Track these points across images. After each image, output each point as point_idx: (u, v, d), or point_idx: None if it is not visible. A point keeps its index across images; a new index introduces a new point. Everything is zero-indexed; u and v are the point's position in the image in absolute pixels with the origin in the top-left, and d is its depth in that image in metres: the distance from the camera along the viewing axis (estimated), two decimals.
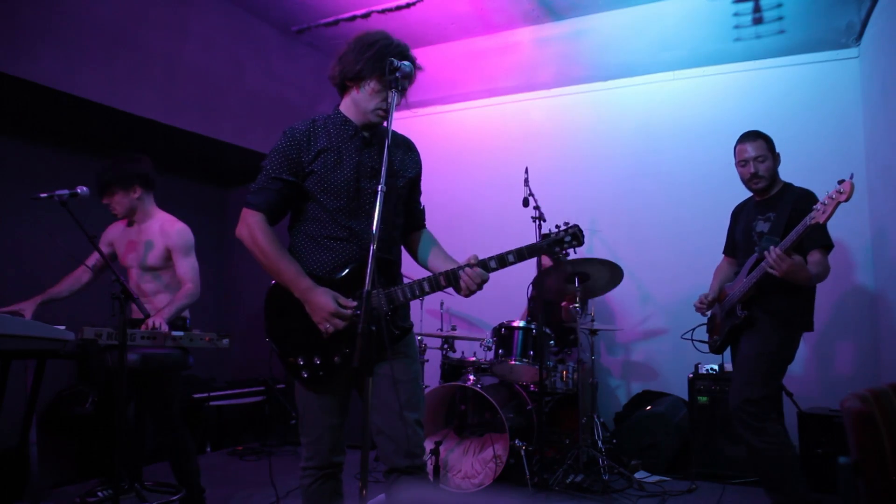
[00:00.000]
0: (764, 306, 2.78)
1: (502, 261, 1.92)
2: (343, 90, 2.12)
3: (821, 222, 2.40)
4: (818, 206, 2.42)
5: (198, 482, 3.03)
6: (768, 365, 2.74)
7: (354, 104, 2.08)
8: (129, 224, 3.13)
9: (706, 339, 3.25)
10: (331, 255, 1.96)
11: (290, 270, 1.90)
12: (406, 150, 2.19)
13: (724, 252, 3.28)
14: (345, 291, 1.89)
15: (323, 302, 1.85)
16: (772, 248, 2.56)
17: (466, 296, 1.93)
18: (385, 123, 1.99)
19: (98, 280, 3.17)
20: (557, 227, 2.00)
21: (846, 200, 2.34)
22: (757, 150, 2.87)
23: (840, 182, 2.36)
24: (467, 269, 1.89)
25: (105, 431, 3.51)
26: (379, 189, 1.77)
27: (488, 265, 1.91)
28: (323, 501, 2.04)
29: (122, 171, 3.03)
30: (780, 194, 2.90)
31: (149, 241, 3.05)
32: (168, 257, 3.05)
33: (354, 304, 1.87)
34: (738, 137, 2.98)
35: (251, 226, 1.99)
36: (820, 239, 2.70)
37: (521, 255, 1.94)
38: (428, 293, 1.95)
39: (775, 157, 2.91)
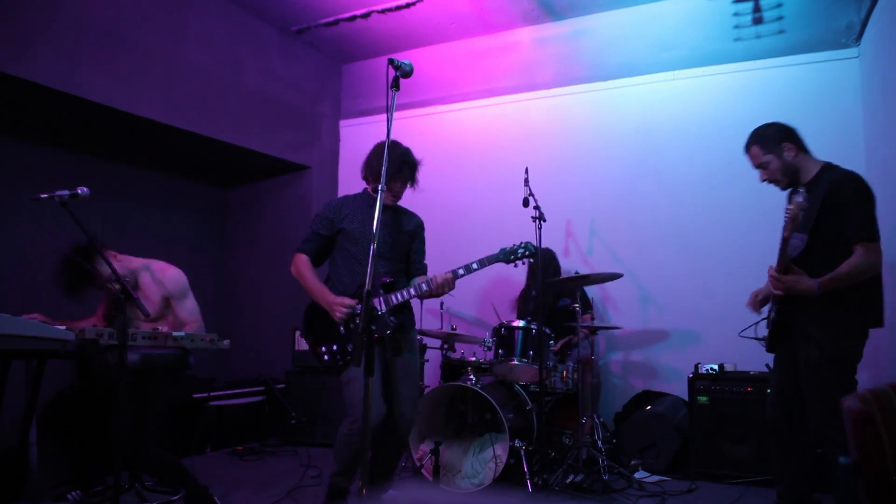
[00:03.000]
0: (798, 306, 2.57)
1: (468, 268, 2.83)
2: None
3: (785, 236, 2.34)
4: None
5: (182, 474, 2.95)
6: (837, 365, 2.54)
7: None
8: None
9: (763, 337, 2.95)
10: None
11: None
12: (410, 215, 3.11)
13: None
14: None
15: (331, 300, 2.81)
16: (769, 267, 2.46)
17: (438, 295, 2.86)
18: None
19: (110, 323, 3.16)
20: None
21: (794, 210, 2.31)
22: (754, 160, 2.76)
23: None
24: (437, 275, 2.81)
25: (104, 432, 3.50)
26: (379, 188, 2.10)
27: (457, 273, 2.80)
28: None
29: (79, 269, 2.86)
30: (816, 180, 2.63)
31: (144, 295, 2.95)
32: (166, 305, 3.02)
33: (353, 301, 2.77)
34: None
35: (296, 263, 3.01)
36: (859, 232, 2.46)
37: (482, 263, 2.85)
38: (414, 296, 2.83)
39: (779, 153, 2.69)
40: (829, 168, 2.66)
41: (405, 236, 3.02)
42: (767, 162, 2.72)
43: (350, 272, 2.90)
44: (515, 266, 2.99)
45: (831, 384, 2.47)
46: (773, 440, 2.78)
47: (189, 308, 3.04)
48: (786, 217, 2.34)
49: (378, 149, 2.93)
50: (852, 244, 2.46)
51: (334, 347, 2.83)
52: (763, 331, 2.94)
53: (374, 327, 2.03)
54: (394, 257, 2.95)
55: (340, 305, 2.75)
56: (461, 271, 2.81)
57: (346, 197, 3.06)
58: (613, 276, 3.89)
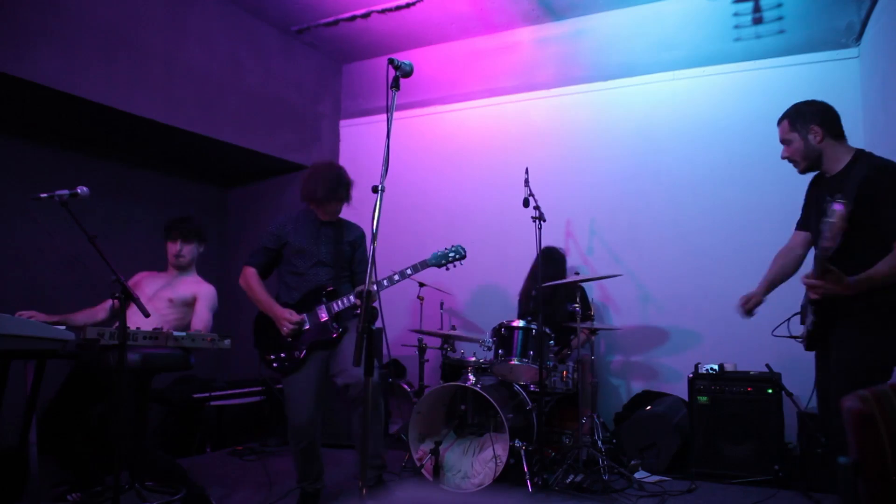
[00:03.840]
0: (837, 308, 2.40)
1: (402, 274, 3.05)
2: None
3: (826, 246, 2.08)
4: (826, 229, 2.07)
5: (182, 476, 3.00)
6: (867, 372, 2.34)
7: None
8: (164, 270, 3.40)
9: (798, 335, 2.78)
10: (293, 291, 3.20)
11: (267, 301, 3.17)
12: (351, 227, 3.32)
13: (797, 226, 2.81)
14: (299, 310, 3.11)
15: (278, 313, 3.08)
16: (802, 277, 2.28)
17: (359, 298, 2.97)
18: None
19: (110, 320, 3.33)
20: None
21: (838, 224, 2.03)
22: (780, 133, 2.63)
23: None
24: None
25: (104, 432, 3.50)
26: (379, 188, 2.14)
27: (381, 284, 2.97)
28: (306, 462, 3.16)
29: (196, 224, 3.42)
30: (848, 170, 2.46)
31: (180, 283, 3.32)
32: (190, 302, 3.27)
33: (299, 317, 3.06)
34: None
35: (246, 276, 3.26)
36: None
37: (416, 268, 3.09)
38: (353, 303, 3.04)
39: (804, 134, 2.54)
40: (861, 157, 2.49)
41: (346, 246, 3.24)
42: (790, 140, 2.60)
43: (295, 283, 3.16)
44: (447, 269, 3.17)
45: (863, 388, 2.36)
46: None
47: (207, 318, 3.26)
48: (825, 228, 2.08)
49: (320, 169, 3.17)
50: (890, 241, 2.30)
51: (282, 355, 3.09)
52: (797, 327, 2.77)
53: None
54: (336, 265, 3.18)
55: (287, 321, 3.03)
56: (385, 282, 3.02)
57: (290, 215, 3.30)
58: (612, 276, 3.87)
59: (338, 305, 3.06)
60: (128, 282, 3.17)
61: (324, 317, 3.07)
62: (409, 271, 3.08)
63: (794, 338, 2.80)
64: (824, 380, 2.60)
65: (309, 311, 3.10)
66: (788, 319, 2.91)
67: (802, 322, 2.72)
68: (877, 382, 2.32)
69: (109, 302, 3.27)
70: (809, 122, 2.55)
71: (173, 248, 3.34)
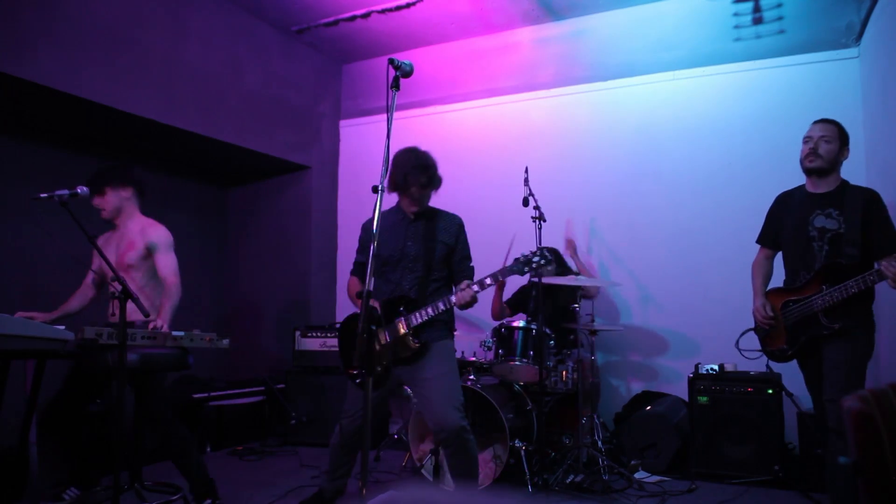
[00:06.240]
0: (850, 312, 2.66)
1: (481, 284, 2.74)
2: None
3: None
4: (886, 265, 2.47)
5: (205, 474, 3.04)
6: (862, 368, 2.65)
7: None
8: (113, 229, 3.23)
9: (757, 349, 3.04)
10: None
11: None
12: (447, 220, 3.04)
13: (761, 242, 3.11)
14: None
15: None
16: (892, 261, 2.47)
17: (461, 309, 2.76)
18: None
19: (100, 293, 3.27)
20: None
21: None
22: (824, 131, 2.79)
23: None
24: (459, 289, 2.76)
25: (103, 432, 3.50)
26: (379, 188, 2.13)
27: (483, 283, 2.72)
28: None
29: (116, 171, 3.20)
30: (842, 191, 2.77)
31: (129, 241, 3.13)
32: (146, 256, 3.11)
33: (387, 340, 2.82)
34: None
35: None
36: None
37: (496, 277, 2.74)
38: (432, 315, 2.76)
39: (843, 149, 2.80)
40: (849, 184, 2.80)
41: (440, 245, 2.94)
42: (831, 140, 2.78)
43: (382, 289, 2.95)
44: (532, 276, 2.97)
45: (861, 377, 2.64)
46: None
47: (169, 262, 3.11)
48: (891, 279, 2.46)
49: (397, 157, 2.92)
50: (878, 257, 2.60)
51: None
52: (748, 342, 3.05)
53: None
54: (426, 269, 2.90)
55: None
56: (475, 287, 2.74)
57: (381, 214, 3.11)
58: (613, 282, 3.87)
59: (417, 318, 2.79)
60: (94, 254, 3.18)
61: (402, 329, 2.81)
62: (488, 281, 2.75)
63: (754, 351, 3.04)
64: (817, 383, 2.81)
65: (389, 322, 2.85)
66: (740, 336, 3.11)
67: (764, 341, 2.99)
68: (864, 371, 2.66)
69: (90, 276, 3.24)
70: (847, 143, 2.83)
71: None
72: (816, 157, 2.77)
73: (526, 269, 2.69)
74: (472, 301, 2.74)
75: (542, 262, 2.69)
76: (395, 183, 2.87)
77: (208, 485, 3.05)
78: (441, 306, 2.76)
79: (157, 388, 2.99)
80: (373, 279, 2.08)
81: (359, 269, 3.08)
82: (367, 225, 2.96)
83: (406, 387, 2.94)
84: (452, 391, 2.83)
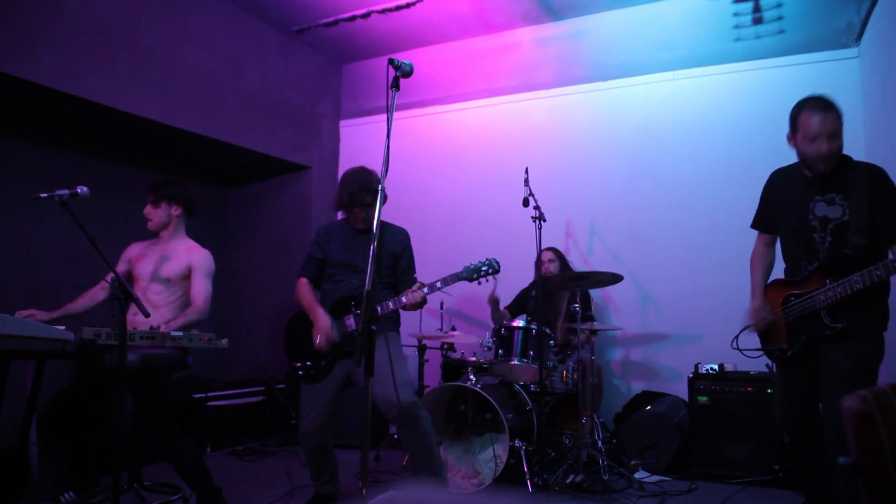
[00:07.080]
0: (856, 310, 2.35)
1: (432, 287, 2.89)
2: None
3: None
4: None
5: (209, 482, 3.01)
6: (873, 375, 2.36)
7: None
8: (154, 240, 3.28)
9: (758, 348, 2.77)
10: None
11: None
12: (393, 232, 3.19)
13: (756, 227, 2.79)
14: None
15: (321, 326, 2.99)
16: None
17: (410, 310, 2.93)
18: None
19: (111, 296, 3.21)
20: None
21: None
22: (830, 124, 2.37)
23: None
24: (410, 290, 2.89)
25: (103, 432, 3.50)
26: (379, 188, 2.17)
27: (434, 286, 2.87)
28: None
29: (177, 187, 3.29)
30: (842, 170, 2.42)
31: (171, 256, 3.18)
32: (186, 275, 3.15)
33: (335, 339, 2.98)
34: (798, 103, 2.55)
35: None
36: None
37: (446, 281, 2.90)
38: (381, 313, 2.92)
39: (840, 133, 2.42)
40: (849, 160, 2.46)
41: (386, 253, 3.13)
42: (837, 133, 2.40)
43: (329, 290, 3.15)
44: (479, 284, 3.02)
45: (871, 381, 2.35)
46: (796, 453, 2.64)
47: (205, 288, 3.15)
48: None
49: (345, 176, 3.20)
50: (890, 243, 2.32)
51: (308, 363, 3.08)
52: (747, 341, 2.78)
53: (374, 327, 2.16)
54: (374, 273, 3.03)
55: (324, 337, 2.96)
56: (426, 289, 2.90)
57: (332, 224, 3.33)
58: (615, 279, 3.83)
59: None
60: (122, 255, 3.25)
61: (350, 326, 3.00)
62: (438, 284, 2.91)
63: (755, 349, 2.76)
64: (801, 395, 2.58)
65: (337, 319, 3.04)
66: (738, 335, 2.86)
67: (765, 339, 2.70)
68: (875, 374, 2.39)
69: (110, 275, 3.22)
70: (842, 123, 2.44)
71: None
72: (829, 159, 2.41)
73: (475, 275, 2.92)
74: (423, 302, 2.91)
75: (490, 270, 2.92)
76: (340, 201, 3.13)
77: (214, 494, 3.02)
78: (390, 305, 2.93)
79: (158, 390, 2.97)
80: (369, 279, 2.14)
81: (309, 269, 3.22)
82: (322, 231, 3.26)
83: (356, 380, 2.98)
84: (399, 371, 2.91)
